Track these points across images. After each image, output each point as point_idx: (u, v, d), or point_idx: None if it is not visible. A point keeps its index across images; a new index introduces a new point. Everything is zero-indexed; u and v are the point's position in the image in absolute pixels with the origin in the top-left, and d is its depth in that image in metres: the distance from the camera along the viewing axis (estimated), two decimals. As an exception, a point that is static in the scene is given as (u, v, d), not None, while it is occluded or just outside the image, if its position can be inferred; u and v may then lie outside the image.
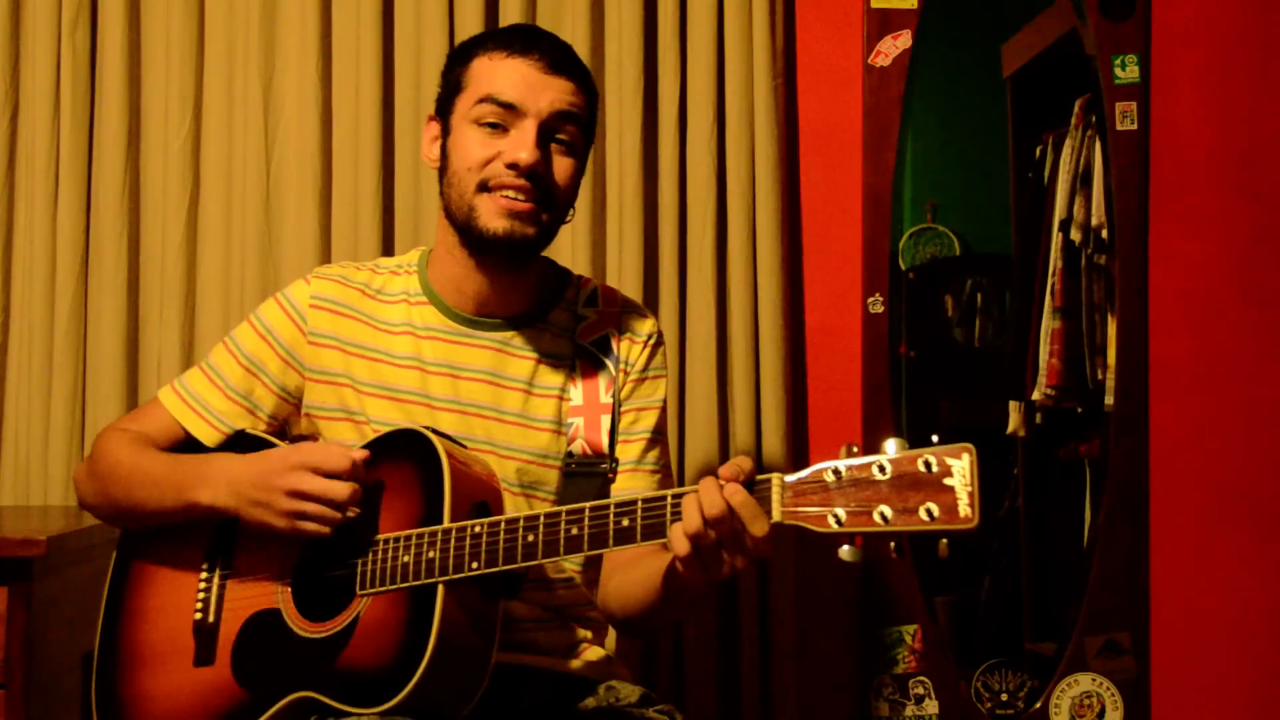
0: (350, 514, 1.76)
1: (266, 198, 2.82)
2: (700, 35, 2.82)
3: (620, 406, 1.99)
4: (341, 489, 1.75)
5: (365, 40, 2.79)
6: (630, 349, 2.02)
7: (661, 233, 2.82)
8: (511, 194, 1.85)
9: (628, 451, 1.99)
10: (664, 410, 2.04)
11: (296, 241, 2.79)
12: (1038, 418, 3.32)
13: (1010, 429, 3.34)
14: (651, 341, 2.04)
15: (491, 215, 1.86)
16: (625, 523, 1.63)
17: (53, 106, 2.79)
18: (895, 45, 2.88)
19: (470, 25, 2.78)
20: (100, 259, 2.79)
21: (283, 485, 1.76)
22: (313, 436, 1.99)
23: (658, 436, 2.02)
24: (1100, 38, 2.94)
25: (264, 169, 2.82)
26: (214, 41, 2.84)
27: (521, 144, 1.84)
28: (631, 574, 1.89)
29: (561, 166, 1.90)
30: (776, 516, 1.54)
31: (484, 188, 1.86)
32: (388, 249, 2.80)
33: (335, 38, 2.83)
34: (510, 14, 2.80)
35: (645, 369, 2.02)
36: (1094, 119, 3.11)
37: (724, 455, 2.80)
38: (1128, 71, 2.93)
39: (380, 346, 1.96)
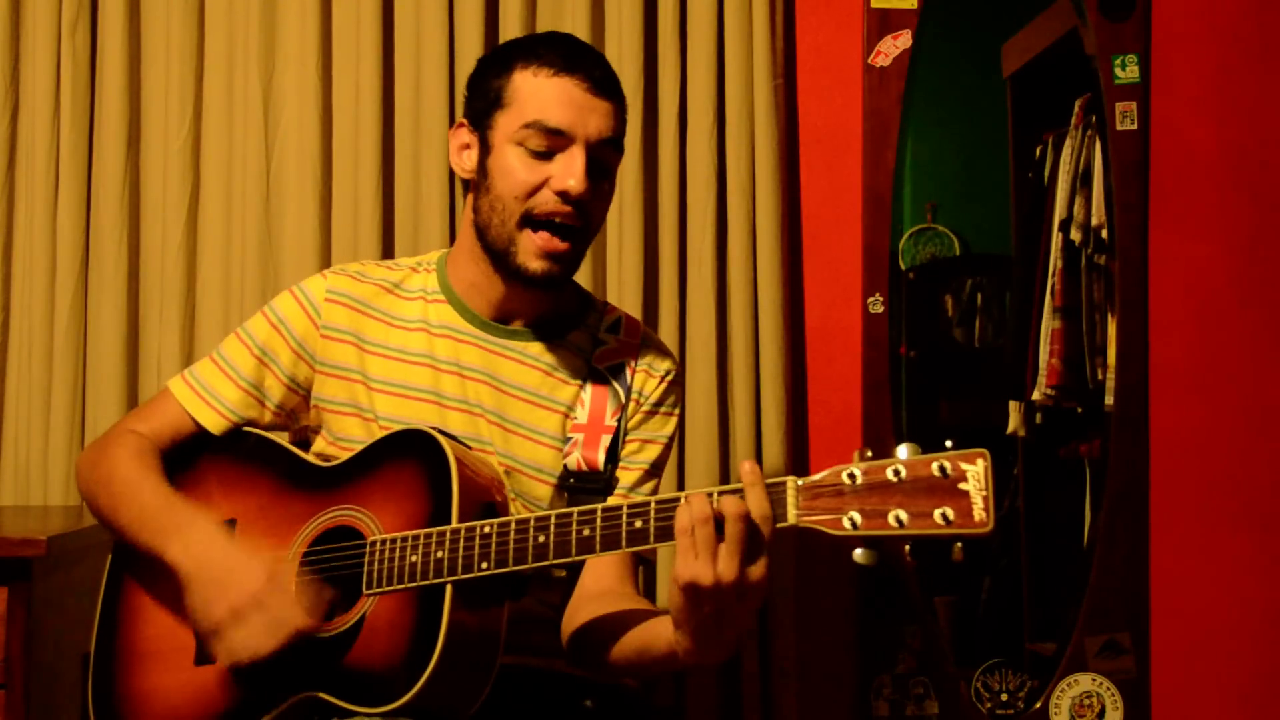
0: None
1: (266, 198, 2.82)
2: (700, 35, 2.82)
3: (625, 435, 1.98)
4: (267, 646, 1.72)
5: (365, 40, 2.79)
6: (645, 382, 2.01)
7: (661, 233, 2.82)
8: (557, 224, 1.84)
9: (624, 478, 1.98)
10: (668, 448, 2.03)
11: (296, 241, 2.79)
12: (1038, 418, 3.32)
13: (1010, 429, 3.35)
14: (668, 379, 2.04)
15: (530, 255, 1.85)
16: (638, 524, 1.61)
17: (53, 106, 2.79)
18: (895, 45, 2.88)
19: (470, 25, 2.78)
20: (100, 259, 2.78)
21: (232, 600, 1.73)
22: (317, 429, 1.99)
23: (655, 470, 2.01)
24: (1100, 38, 2.94)
25: (264, 169, 2.82)
26: (214, 41, 2.84)
27: (570, 171, 1.83)
28: (609, 613, 1.85)
29: (602, 192, 1.90)
30: (791, 519, 1.54)
31: (528, 220, 1.85)
32: (388, 249, 2.80)
33: (335, 38, 2.83)
34: (510, 14, 2.80)
35: (658, 404, 2.02)
36: (1094, 119, 3.11)
37: (724, 455, 2.81)
38: (1128, 71, 2.93)
39: (395, 343, 1.95)
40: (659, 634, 1.71)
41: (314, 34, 2.80)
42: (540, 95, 1.85)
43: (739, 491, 1.56)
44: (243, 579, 1.74)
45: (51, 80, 2.79)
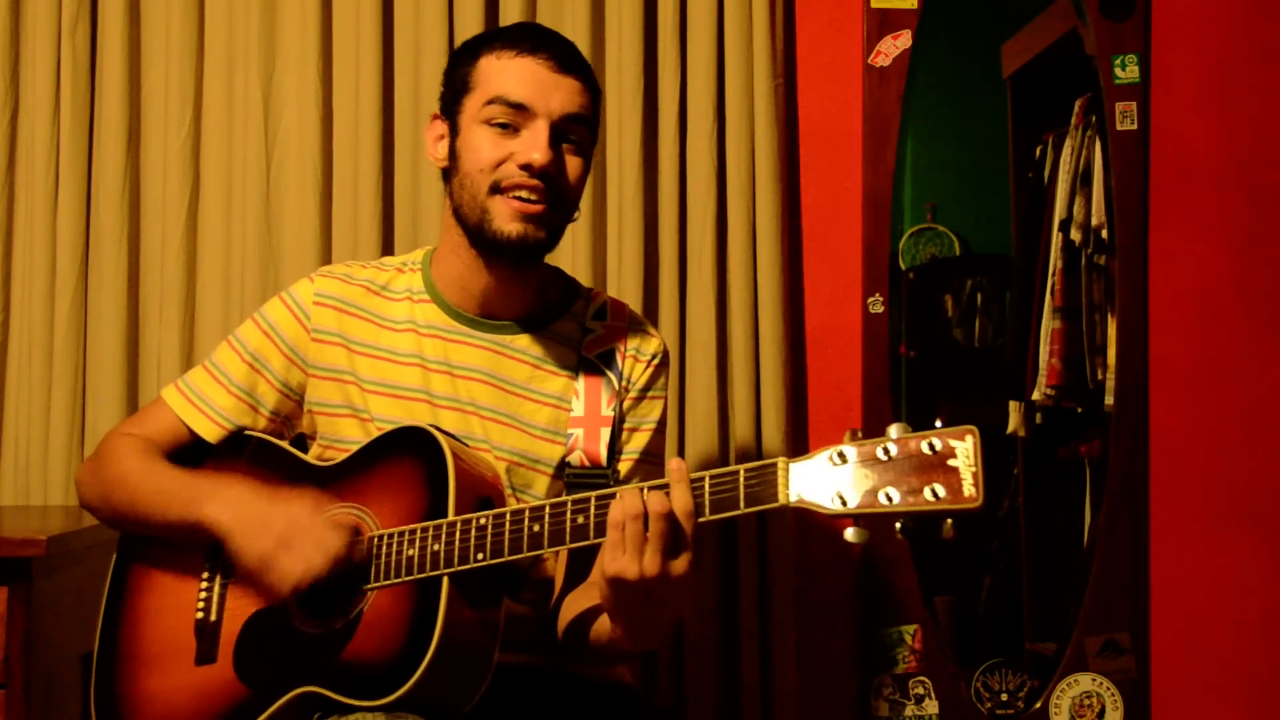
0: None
1: (266, 198, 2.82)
2: (700, 35, 2.82)
3: (622, 423, 1.99)
4: (318, 564, 1.73)
5: (365, 40, 2.79)
6: (634, 367, 2.02)
7: (661, 233, 2.82)
8: (525, 195, 1.85)
9: (621, 469, 1.99)
10: (657, 431, 2.04)
11: (296, 241, 2.79)
12: (1038, 418, 3.33)
13: (1010, 429, 3.35)
14: (655, 362, 2.04)
15: (505, 218, 1.86)
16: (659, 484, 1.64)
17: (53, 106, 2.79)
18: (895, 45, 2.89)
19: (470, 25, 2.78)
20: (100, 259, 2.78)
21: (278, 531, 1.76)
22: (312, 435, 2.00)
23: (647, 458, 2.01)
24: (1100, 38, 2.94)
25: (264, 169, 2.82)
26: (214, 41, 2.84)
27: (534, 145, 1.85)
28: (590, 605, 1.89)
29: (572, 166, 1.90)
30: (783, 499, 1.55)
31: (496, 189, 1.86)
32: (388, 249, 2.80)
33: (335, 38, 2.83)
34: (510, 14, 2.80)
35: (645, 388, 2.02)
36: (1094, 119, 3.12)
37: (724, 455, 2.80)
38: (1128, 71, 2.93)
39: (384, 344, 1.96)
40: (605, 623, 1.78)
41: (314, 34, 2.80)
42: (504, 73, 1.88)
43: (667, 487, 1.61)
44: (283, 513, 1.77)
45: (51, 80, 2.79)
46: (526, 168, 1.84)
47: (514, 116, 1.86)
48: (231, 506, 1.81)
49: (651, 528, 1.59)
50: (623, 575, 1.60)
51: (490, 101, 1.87)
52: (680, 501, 1.60)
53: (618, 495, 1.62)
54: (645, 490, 1.61)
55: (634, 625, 1.71)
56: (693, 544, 1.61)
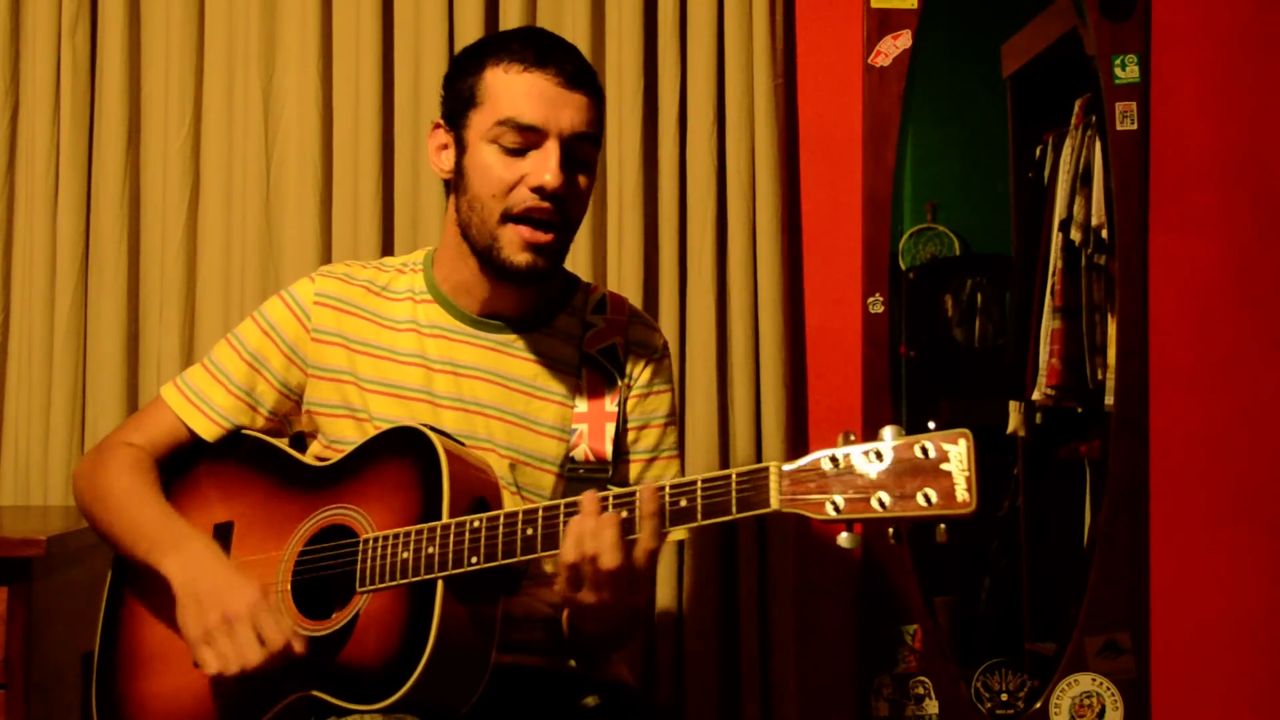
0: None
1: (266, 198, 2.82)
2: (700, 35, 2.82)
3: (626, 422, 1.99)
4: (256, 658, 1.72)
5: (365, 40, 2.79)
6: (636, 364, 2.02)
7: (661, 233, 2.82)
8: (536, 219, 1.85)
9: (632, 472, 2.00)
10: (668, 425, 2.04)
11: (296, 241, 2.79)
12: (1038, 418, 3.32)
13: (1010, 429, 3.34)
14: (657, 356, 2.04)
15: (514, 249, 1.85)
16: (625, 514, 1.64)
17: (53, 106, 2.79)
18: (895, 45, 2.89)
19: (470, 25, 2.78)
20: (100, 259, 2.79)
21: (226, 609, 1.73)
22: (313, 434, 2.00)
23: (660, 454, 2.02)
24: (1100, 38, 2.94)
25: (264, 169, 2.82)
26: (214, 41, 2.84)
27: (545, 167, 1.83)
28: None
29: (580, 186, 1.90)
30: (775, 504, 1.56)
31: (508, 217, 1.85)
32: (388, 249, 2.80)
33: (335, 38, 2.83)
34: (510, 14, 2.80)
35: (649, 384, 2.03)
36: (1094, 119, 3.11)
37: (724, 455, 2.80)
38: (1128, 71, 2.93)
39: (384, 344, 1.96)
40: None
41: (314, 34, 2.80)
42: (512, 91, 1.85)
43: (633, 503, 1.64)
44: (238, 592, 1.75)
45: (51, 80, 2.80)
46: (538, 190, 1.84)
47: (524, 138, 1.85)
48: (189, 570, 1.79)
49: (607, 569, 1.64)
50: (579, 603, 1.68)
51: (500, 123, 1.85)
52: (643, 542, 1.64)
53: (570, 537, 1.65)
54: (609, 522, 1.63)
55: (599, 633, 1.82)
56: (649, 574, 1.69)
